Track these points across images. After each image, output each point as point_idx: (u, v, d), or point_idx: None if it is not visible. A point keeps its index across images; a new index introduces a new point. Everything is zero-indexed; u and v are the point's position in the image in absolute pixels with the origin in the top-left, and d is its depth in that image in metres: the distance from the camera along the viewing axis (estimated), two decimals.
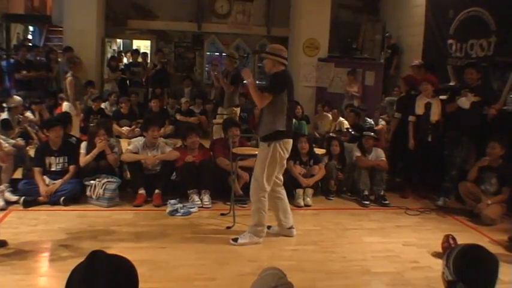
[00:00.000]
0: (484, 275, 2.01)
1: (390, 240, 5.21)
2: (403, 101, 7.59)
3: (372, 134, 7.02)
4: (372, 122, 8.85)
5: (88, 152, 6.26)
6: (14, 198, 5.79)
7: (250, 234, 4.91)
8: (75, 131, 7.59)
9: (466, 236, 5.31)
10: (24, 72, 9.90)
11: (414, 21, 10.78)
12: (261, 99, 4.72)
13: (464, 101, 6.46)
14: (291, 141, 4.92)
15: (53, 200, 5.84)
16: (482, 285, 2.00)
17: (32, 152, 6.61)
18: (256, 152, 5.59)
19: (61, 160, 6.14)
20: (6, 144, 6.24)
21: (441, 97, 7.20)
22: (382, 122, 9.02)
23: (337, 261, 4.55)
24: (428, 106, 6.82)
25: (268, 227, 5.26)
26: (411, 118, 6.97)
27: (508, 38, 7.50)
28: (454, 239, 4.72)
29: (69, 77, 7.90)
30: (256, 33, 13.39)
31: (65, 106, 8.00)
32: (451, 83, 8.65)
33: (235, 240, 4.90)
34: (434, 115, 6.81)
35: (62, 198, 5.84)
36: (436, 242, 4.93)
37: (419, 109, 6.87)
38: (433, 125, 6.81)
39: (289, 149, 4.92)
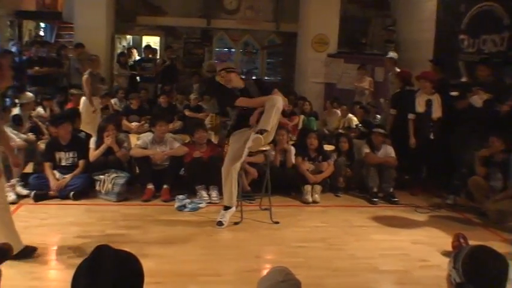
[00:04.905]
0: (493, 276, 1.97)
1: (399, 238, 5.18)
2: (398, 97, 7.56)
3: (382, 130, 6.97)
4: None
5: (97, 146, 6.28)
6: (24, 192, 5.86)
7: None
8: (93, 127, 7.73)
9: (477, 234, 5.25)
10: (37, 68, 9.98)
11: (425, 16, 10.68)
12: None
13: (476, 99, 6.41)
14: None
15: (62, 194, 5.89)
16: (491, 287, 1.97)
17: (42, 146, 6.65)
18: (266, 148, 5.60)
19: (71, 155, 6.19)
20: (18, 139, 6.29)
21: (452, 93, 7.15)
22: None
23: (344, 259, 4.53)
24: (429, 103, 6.77)
25: (276, 222, 5.35)
26: (411, 116, 6.92)
27: None
28: (464, 237, 4.68)
29: (85, 75, 8.29)
30: (264, 28, 13.35)
31: (82, 102, 8.32)
32: (463, 79, 8.59)
33: (221, 224, 5.19)
34: (436, 112, 6.77)
35: (71, 193, 5.89)
36: (446, 241, 4.90)
37: (420, 107, 6.83)
38: (435, 122, 6.77)
39: None
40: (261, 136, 4.77)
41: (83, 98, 8.34)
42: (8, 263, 1.93)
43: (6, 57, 4.04)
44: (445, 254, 4.66)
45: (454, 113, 6.77)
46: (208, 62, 9.83)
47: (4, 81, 3.81)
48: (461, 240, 4.64)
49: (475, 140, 6.46)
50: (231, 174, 5.17)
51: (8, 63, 3.85)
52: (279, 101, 4.95)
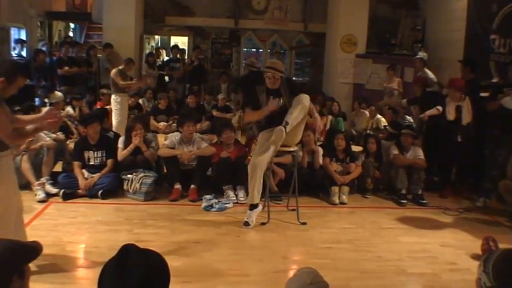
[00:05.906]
0: None
1: (427, 241, 5.09)
2: (419, 101, 7.64)
3: (411, 131, 6.88)
4: (411, 120, 8.68)
5: (125, 146, 6.35)
6: (54, 190, 5.94)
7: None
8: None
9: (507, 238, 5.11)
10: (66, 68, 10.16)
11: (455, 16, 10.51)
12: None
13: (508, 101, 6.27)
14: None
15: (91, 193, 5.96)
16: None
17: (71, 146, 6.75)
18: (293, 149, 5.55)
19: (99, 154, 6.26)
20: (48, 138, 6.40)
21: (482, 94, 7.02)
22: None
23: (372, 261, 4.49)
24: (459, 109, 6.64)
25: (304, 223, 5.32)
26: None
27: None
28: (494, 241, 4.58)
29: (113, 70, 8.50)
30: (293, 29, 13.32)
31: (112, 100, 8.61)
32: (494, 80, 8.42)
33: (247, 224, 5.20)
34: (466, 118, 6.62)
35: (100, 192, 5.96)
36: (475, 244, 4.81)
37: (451, 115, 6.68)
38: (464, 127, 6.64)
39: None
40: (283, 128, 4.84)
41: (113, 97, 8.50)
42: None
43: (24, 75, 3.85)
44: (474, 257, 4.57)
45: (484, 115, 6.64)
46: (251, 59, 9.95)
47: (6, 92, 3.59)
48: (491, 244, 4.55)
49: (506, 142, 6.33)
50: (256, 172, 5.19)
51: (22, 83, 3.67)
52: (305, 99, 5.10)
